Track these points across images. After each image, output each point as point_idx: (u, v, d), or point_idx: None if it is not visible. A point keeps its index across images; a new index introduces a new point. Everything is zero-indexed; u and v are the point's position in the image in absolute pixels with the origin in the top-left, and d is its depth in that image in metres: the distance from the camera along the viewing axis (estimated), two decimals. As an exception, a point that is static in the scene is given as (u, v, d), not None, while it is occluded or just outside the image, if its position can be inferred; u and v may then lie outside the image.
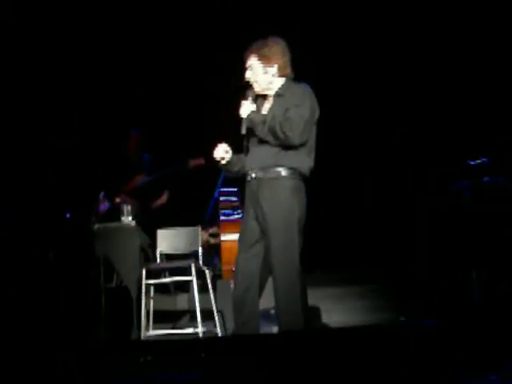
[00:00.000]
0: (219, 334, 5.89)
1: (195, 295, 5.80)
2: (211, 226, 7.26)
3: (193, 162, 6.99)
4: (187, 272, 5.95)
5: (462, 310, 5.58)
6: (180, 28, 7.74)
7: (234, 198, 7.29)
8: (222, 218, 7.18)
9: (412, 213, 7.37)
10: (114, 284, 6.25)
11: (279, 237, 4.35)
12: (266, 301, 6.23)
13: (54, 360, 3.53)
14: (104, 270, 5.97)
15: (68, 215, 6.52)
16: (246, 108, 4.45)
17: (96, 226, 6.03)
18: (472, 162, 6.14)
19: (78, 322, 5.76)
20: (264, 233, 4.41)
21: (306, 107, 4.39)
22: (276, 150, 4.39)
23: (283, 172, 4.38)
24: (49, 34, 7.30)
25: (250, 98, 4.49)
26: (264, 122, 4.36)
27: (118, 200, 6.77)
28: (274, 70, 4.49)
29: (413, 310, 5.97)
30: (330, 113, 7.75)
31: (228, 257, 6.99)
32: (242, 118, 4.46)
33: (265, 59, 4.48)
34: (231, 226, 7.15)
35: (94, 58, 7.59)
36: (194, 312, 5.79)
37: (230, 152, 4.56)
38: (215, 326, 5.92)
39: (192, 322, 5.97)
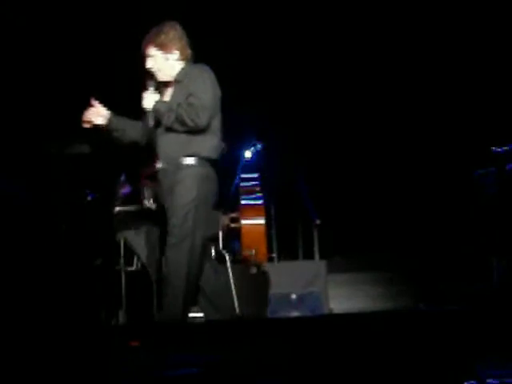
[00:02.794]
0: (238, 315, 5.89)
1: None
2: (232, 210, 7.27)
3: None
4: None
5: (481, 297, 5.55)
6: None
7: (254, 183, 7.32)
8: (242, 202, 7.20)
9: (435, 199, 7.34)
10: (134, 267, 6.27)
11: (175, 227, 4.42)
12: (285, 285, 6.26)
13: (70, 341, 3.55)
14: (124, 253, 5.99)
15: (90, 197, 6.53)
16: (150, 99, 4.46)
17: (117, 209, 6.04)
18: (496, 150, 6.10)
19: (98, 305, 5.78)
20: None
21: (207, 90, 4.42)
22: (182, 138, 4.43)
23: (187, 161, 4.44)
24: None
25: (151, 88, 4.49)
26: (170, 110, 4.38)
27: (139, 183, 6.78)
28: (174, 55, 4.53)
29: (432, 297, 5.95)
30: (354, 96, 7.86)
31: (248, 241, 7.01)
32: (146, 111, 4.48)
33: (164, 47, 4.49)
34: (251, 210, 7.18)
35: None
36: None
37: (108, 117, 4.60)
38: (234, 309, 5.92)
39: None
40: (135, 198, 6.36)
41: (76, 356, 3.29)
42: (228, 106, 7.80)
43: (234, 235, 7.15)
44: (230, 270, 5.99)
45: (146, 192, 6.10)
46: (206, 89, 4.43)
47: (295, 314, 6.15)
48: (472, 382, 2.85)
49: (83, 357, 3.28)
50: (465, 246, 6.39)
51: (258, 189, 7.29)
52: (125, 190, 6.63)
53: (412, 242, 7.17)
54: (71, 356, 3.31)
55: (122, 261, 5.93)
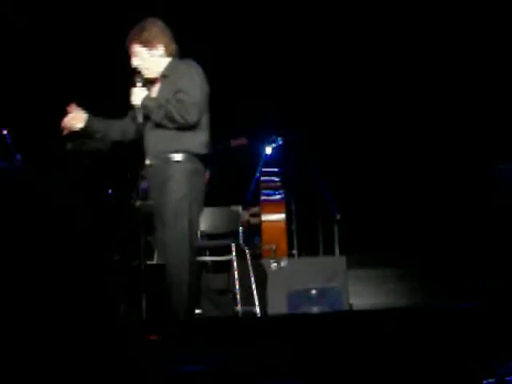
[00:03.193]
0: (258, 314, 5.90)
1: (235, 275, 5.82)
2: (252, 205, 7.28)
3: (234, 142, 6.99)
4: (227, 251, 5.96)
5: (499, 294, 5.52)
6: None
7: (275, 179, 7.32)
8: (263, 198, 7.20)
9: (451, 196, 7.31)
10: (154, 261, 6.28)
11: (170, 227, 4.40)
12: (305, 281, 6.26)
13: (90, 336, 3.57)
14: (144, 248, 5.99)
15: (110, 192, 6.55)
16: (138, 95, 4.43)
17: (137, 203, 6.04)
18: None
19: (118, 299, 5.80)
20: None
21: (196, 86, 4.39)
22: (170, 134, 4.41)
23: (176, 157, 4.41)
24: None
25: (139, 84, 4.46)
26: (159, 107, 4.35)
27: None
28: (159, 51, 4.50)
29: (451, 293, 5.92)
30: (374, 92, 7.85)
31: (268, 237, 7.01)
32: (135, 107, 4.46)
33: (148, 44, 4.47)
34: (272, 206, 7.18)
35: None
36: (234, 291, 5.81)
37: (87, 120, 4.59)
38: (254, 305, 5.93)
39: (231, 301, 5.98)
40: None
41: (94, 350, 3.31)
42: (249, 102, 7.85)
43: (254, 230, 7.15)
44: (250, 265, 5.99)
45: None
46: (195, 85, 4.40)
47: (315, 309, 6.14)
48: (491, 379, 2.83)
49: (101, 351, 3.30)
50: (480, 243, 6.35)
51: (278, 184, 7.28)
52: (145, 184, 6.65)
53: (429, 239, 7.15)
54: (90, 350, 3.33)
55: (141, 255, 5.95)
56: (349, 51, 7.75)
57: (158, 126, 4.43)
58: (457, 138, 7.44)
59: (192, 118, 4.34)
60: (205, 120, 4.51)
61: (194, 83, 4.40)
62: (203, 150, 4.50)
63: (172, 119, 4.34)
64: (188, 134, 4.41)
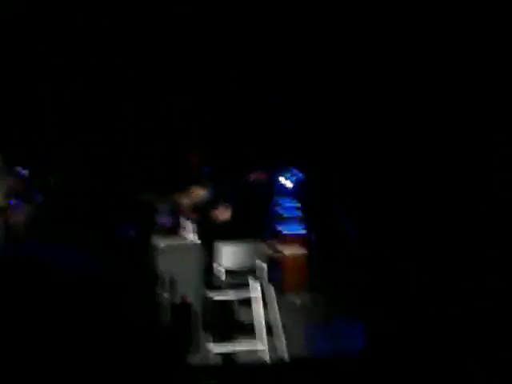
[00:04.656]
0: (285, 350, 5.86)
1: (260, 312, 5.77)
2: (271, 239, 7.27)
3: (253, 176, 6.96)
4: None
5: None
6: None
7: (293, 213, 7.33)
8: (282, 231, 7.21)
9: (467, 202, 7.30)
10: (179, 300, 6.26)
11: None
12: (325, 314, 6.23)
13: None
14: (169, 287, 5.98)
15: (132, 232, 6.55)
16: None
17: (162, 245, 6.03)
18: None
19: (144, 339, 5.77)
20: None
21: None
22: None
23: None
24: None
25: None
26: None
27: (179, 215, 6.78)
28: None
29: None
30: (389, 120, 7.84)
31: (289, 270, 7.00)
32: None
33: None
34: (291, 239, 7.18)
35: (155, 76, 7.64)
36: (260, 327, 5.77)
37: None
38: (281, 342, 5.89)
39: (257, 337, 5.94)
40: (175, 228, 6.37)
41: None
42: (264, 132, 7.87)
43: (274, 264, 7.14)
44: (275, 303, 5.95)
45: (191, 225, 6.10)
46: None
47: (334, 343, 6.11)
48: None
49: None
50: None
51: (297, 218, 7.29)
52: (165, 220, 6.65)
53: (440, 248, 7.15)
54: None
55: (167, 294, 5.94)
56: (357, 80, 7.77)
57: None
58: (466, 140, 7.43)
59: None
60: None
61: None
62: None
63: None
64: None
